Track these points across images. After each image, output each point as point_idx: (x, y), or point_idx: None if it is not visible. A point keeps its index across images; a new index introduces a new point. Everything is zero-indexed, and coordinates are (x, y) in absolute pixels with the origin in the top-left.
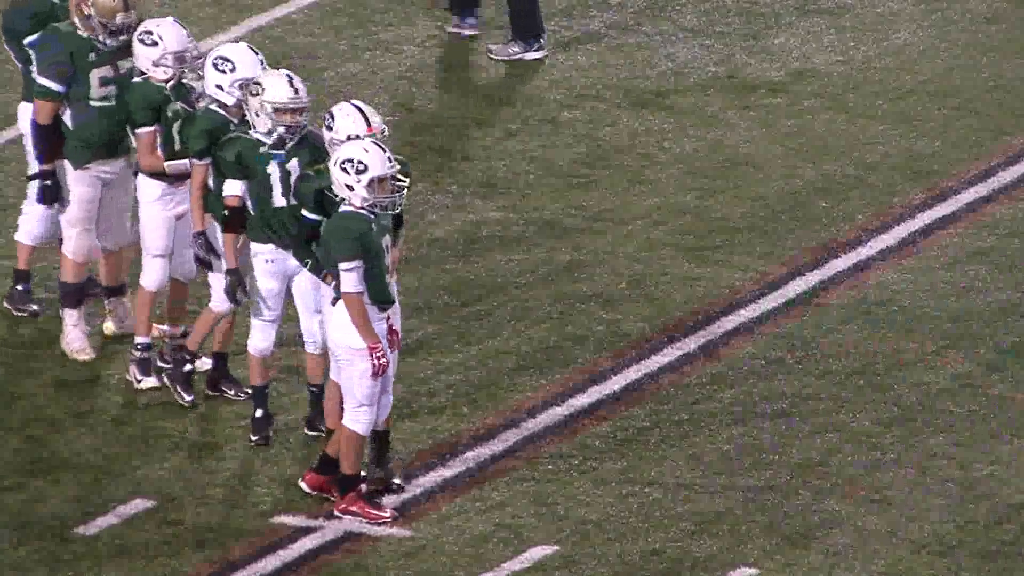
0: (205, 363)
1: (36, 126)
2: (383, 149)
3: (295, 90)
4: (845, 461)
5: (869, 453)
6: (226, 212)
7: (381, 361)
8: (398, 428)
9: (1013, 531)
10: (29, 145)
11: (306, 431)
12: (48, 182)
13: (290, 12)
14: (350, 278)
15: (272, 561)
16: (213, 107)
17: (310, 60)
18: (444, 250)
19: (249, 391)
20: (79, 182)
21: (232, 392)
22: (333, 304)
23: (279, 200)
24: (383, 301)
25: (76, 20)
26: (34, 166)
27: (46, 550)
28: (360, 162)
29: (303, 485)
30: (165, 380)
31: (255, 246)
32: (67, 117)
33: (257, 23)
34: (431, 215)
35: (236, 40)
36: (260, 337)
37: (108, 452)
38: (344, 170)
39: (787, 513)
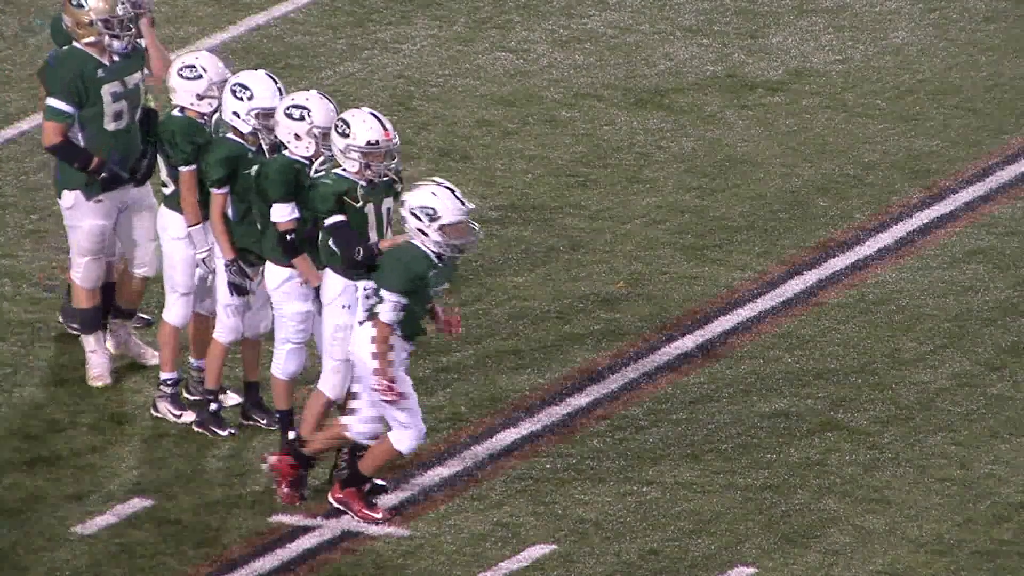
0: (232, 398)
1: (55, 147)
2: (453, 191)
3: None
4: (844, 460)
5: (868, 452)
6: (288, 236)
7: (377, 394)
8: None
9: (1013, 530)
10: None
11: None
12: (104, 172)
13: (289, 11)
14: (389, 309)
15: (270, 560)
16: (230, 135)
17: (309, 59)
18: None
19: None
20: (92, 213)
21: (264, 421)
22: (362, 323)
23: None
24: (413, 337)
25: (77, 36)
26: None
27: (45, 549)
28: (431, 208)
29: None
30: (194, 425)
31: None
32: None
33: (256, 22)
34: None
35: (234, 39)
36: (289, 360)
37: (108, 452)
38: (415, 216)
39: (785, 512)
